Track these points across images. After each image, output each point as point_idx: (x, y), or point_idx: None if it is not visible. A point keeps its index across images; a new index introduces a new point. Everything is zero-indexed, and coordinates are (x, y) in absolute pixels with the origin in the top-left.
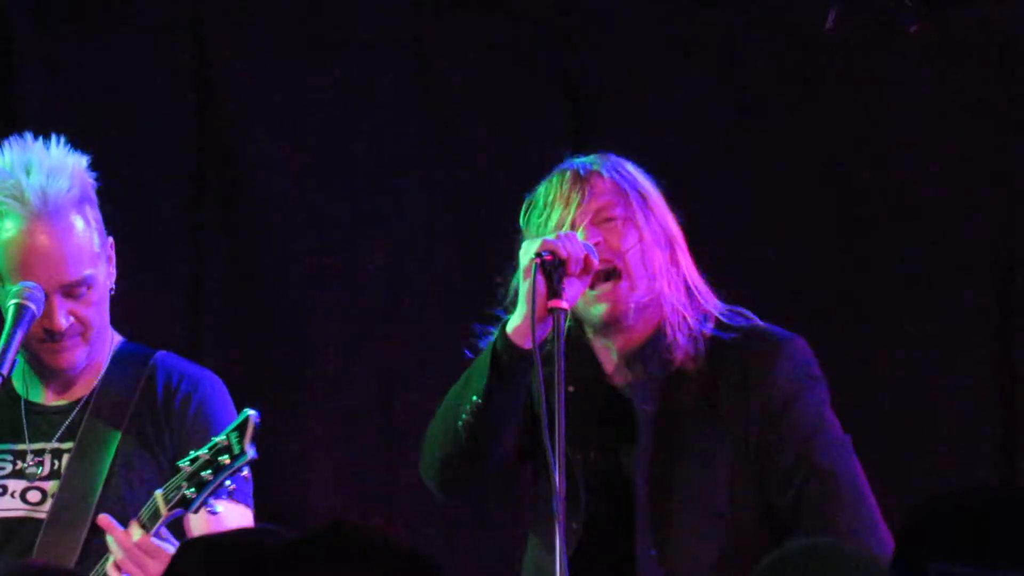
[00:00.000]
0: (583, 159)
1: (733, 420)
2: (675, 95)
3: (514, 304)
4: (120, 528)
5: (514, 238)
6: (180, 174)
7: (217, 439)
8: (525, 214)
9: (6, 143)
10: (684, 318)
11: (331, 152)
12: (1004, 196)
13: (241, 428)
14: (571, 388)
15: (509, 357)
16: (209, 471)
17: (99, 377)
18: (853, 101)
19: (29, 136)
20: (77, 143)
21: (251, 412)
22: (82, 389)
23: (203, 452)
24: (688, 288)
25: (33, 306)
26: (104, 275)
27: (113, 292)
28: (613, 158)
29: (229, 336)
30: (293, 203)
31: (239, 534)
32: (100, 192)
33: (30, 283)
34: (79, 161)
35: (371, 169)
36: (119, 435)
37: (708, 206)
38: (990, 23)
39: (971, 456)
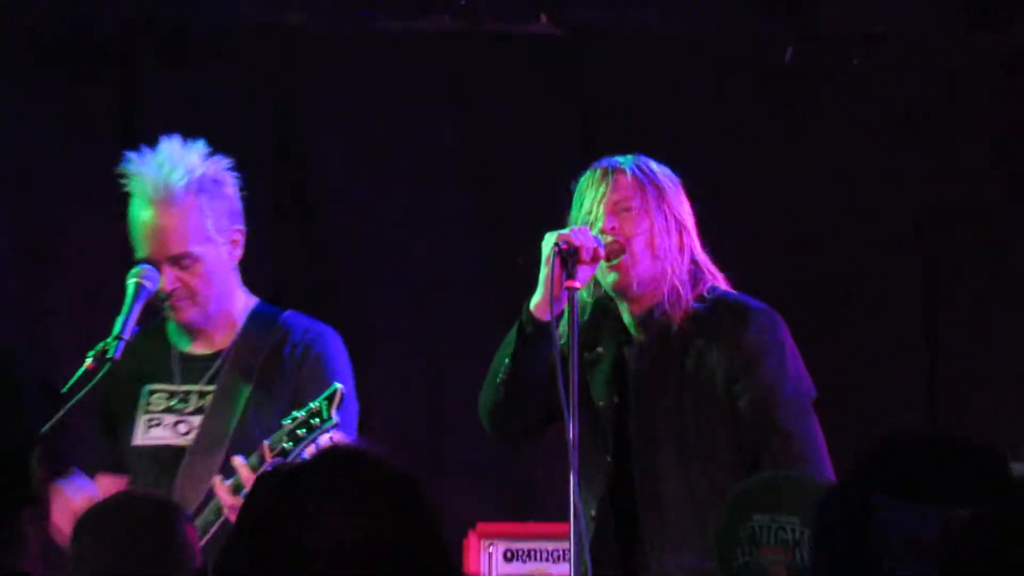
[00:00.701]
0: (616, 158)
1: (706, 371)
2: (668, 117)
3: (535, 285)
4: (245, 464)
5: (534, 228)
6: (261, 185)
7: (312, 405)
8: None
9: (162, 140)
10: (679, 293)
11: (385, 161)
12: (926, 197)
13: (331, 398)
14: (599, 349)
15: (532, 328)
16: (304, 430)
17: (236, 332)
18: (808, 121)
19: (175, 138)
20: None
21: (339, 385)
22: (222, 341)
23: (301, 414)
24: (694, 271)
25: (148, 283)
26: (216, 254)
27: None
28: (642, 158)
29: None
30: (354, 204)
31: (266, 477)
32: None
33: (146, 264)
34: (201, 160)
35: (417, 175)
36: (252, 380)
37: (692, 202)
38: (916, 57)
39: (901, 405)
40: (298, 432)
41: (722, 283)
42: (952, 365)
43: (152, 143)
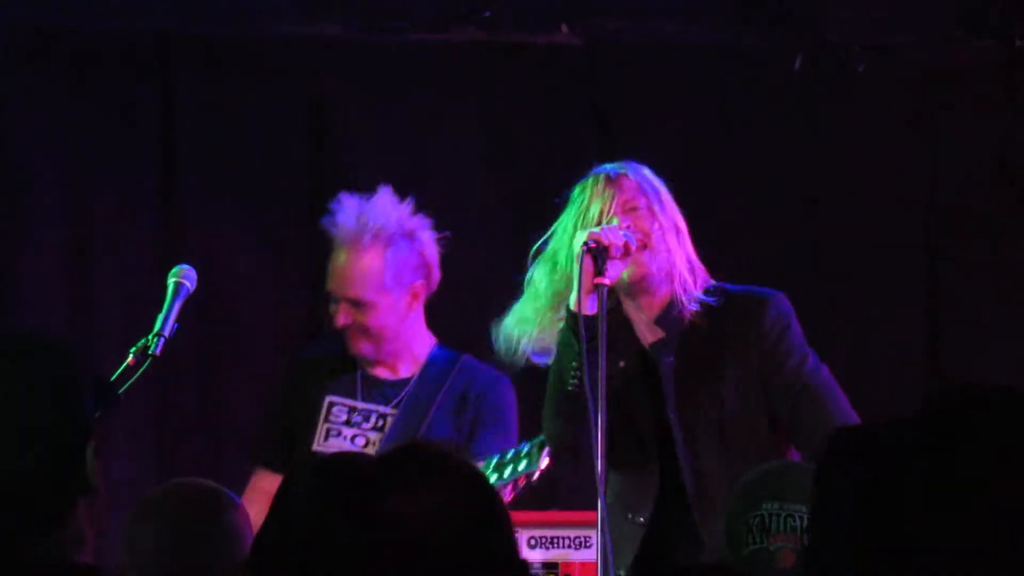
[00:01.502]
0: (612, 164)
1: (737, 357)
2: (683, 124)
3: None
4: None
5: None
6: (296, 190)
7: (525, 447)
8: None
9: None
10: (687, 288)
11: (415, 164)
12: (928, 199)
13: (542, 445)
14: (621, 363)
15: (582, 326)
16: (510, 468)
17: (420, 366)
18: (815, 125)
19: (383, 193)
20: (220, 163)
21: (548, 447)
22: (406, 371)
23: (511, 453)
24: (692, 266)
25: (187, 283)
26: (391, 304)
27: (419, 312)
28: (634, 164)
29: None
30: None
31: (337, 455)
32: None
33: (185, 265)
34: (399, 214)
35: (444, 180)
36: (431, 410)
37: (708, 205)
38: (918, 66)
39: (900, 386)
40: (504, 469)
41: (706, 279)
42: (952, 364)
43: (191, 150)
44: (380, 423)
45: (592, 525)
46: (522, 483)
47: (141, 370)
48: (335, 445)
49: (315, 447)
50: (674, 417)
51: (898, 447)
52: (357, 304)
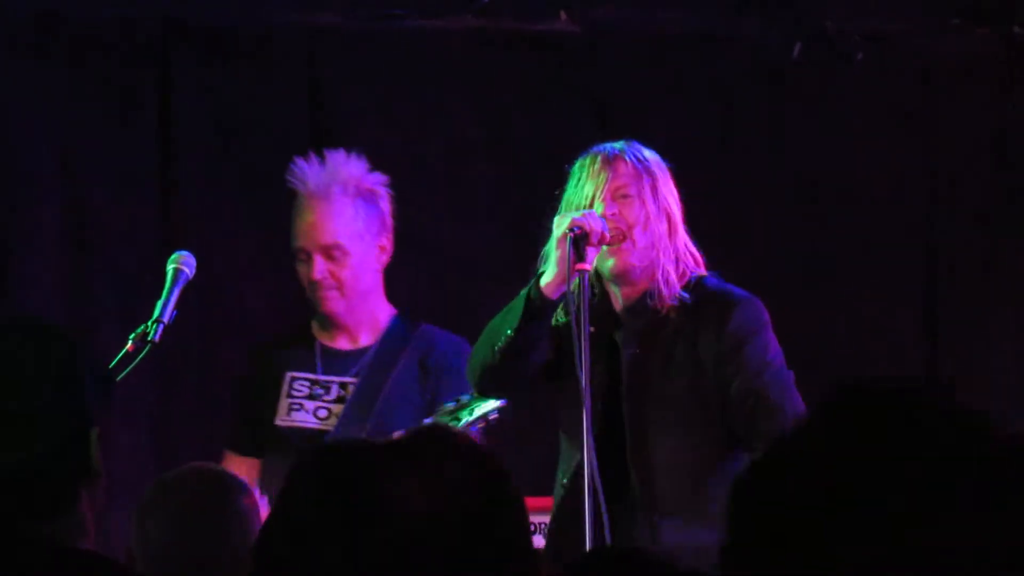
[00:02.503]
0: (612, 144)
1: (697, 356)
2: (681, 112)
3: (545, 263)
4: None
5: (551, 218)
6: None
7: (465, 396)
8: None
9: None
10: (668, 281)
11: (413, 151)
12: (926, 189)
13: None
14: (592, 329)
15: (540, 303)
16: (466, 411)
17: (380, 334)
18: (812, 114)
19: (340, 152)
20: (219, 150)
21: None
22: (368, 339)
23: (455, 402)
24: (678, 257)
25: (186, 269)
26: (364, 253)
27: (380, 274)
28: (635, 145)
29: None
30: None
31: (345, 440)
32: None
33: (184, 251)
34: (362, 173)
35: (442, 167)
36: (390, 378)
37: (700, 193)
38: (915, 54)
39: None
40: (461, 413)
41: (703, 269)
42: (952, 362)
43: (189, 137)
44: (342, 393)
45: (546, 511)
46: (483, 426)
47: (140, 356)
48: (298, 419)
49: (277, 421)
50: (627, 408)
51: (798, 464)
52: (332, 254)
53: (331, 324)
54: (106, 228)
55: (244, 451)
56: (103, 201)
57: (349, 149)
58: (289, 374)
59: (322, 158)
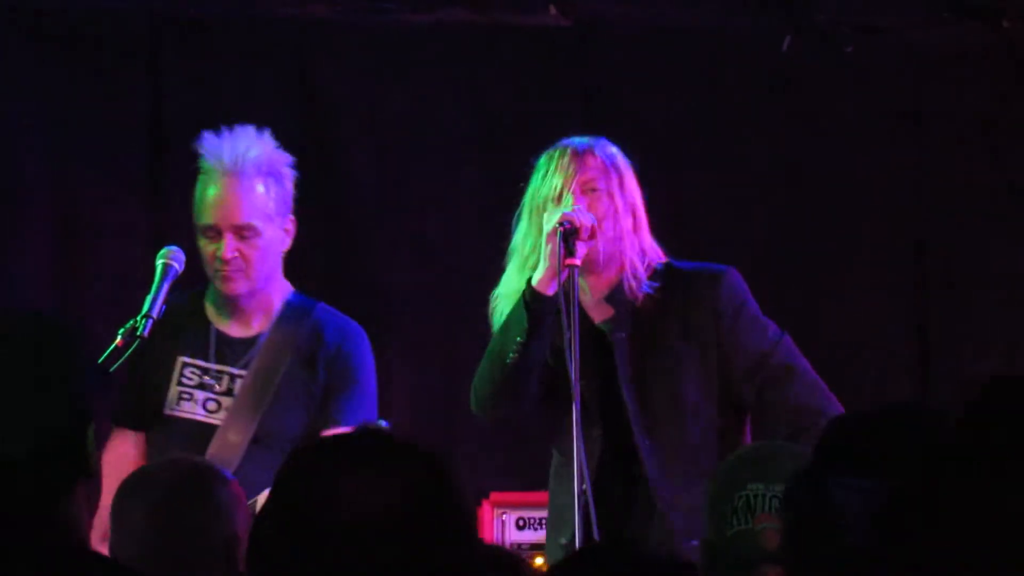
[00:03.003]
0: (580, 139)
1: (694, 333)
2: (670, 106)
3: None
4: None
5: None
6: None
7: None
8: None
9: (237, 127)
10: (636, 275)
11: (404, 144)
12: (917, 181)
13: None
14: (568, 334)
15: (538, 304)
16: None
17: (272, 320)
18: (803, 107)
19: (248, 128)
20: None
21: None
22: (259, 326)
23: None
24: (644, 251)
25: (176, 264)
26: (273, 235)
27: (284, 255)
28: (603, 141)
29: (327, 289)
30: (373, 188)
31: (312, 440)
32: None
33: (173, 246)
34: (272, 152)
35: (433, 161)
36: (282, 372)
37: (691, 187)
38: (906, 47)
39: (885, 379)
40: None
41: (660, 259)
42: (943, 355)
43: (180, 130)
44: (231, 385)
45: (542, 506)
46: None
47: (129, 351)
48: (187, 409)
49: (166, 411)
50: (628, 390)
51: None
52: (244, 234)
53: (227, 308)
54: (95, 221)
55: (133, 427)
56: (93, 195)
57: (341, 142)
58: (181, 359)
59: (232, 132)
